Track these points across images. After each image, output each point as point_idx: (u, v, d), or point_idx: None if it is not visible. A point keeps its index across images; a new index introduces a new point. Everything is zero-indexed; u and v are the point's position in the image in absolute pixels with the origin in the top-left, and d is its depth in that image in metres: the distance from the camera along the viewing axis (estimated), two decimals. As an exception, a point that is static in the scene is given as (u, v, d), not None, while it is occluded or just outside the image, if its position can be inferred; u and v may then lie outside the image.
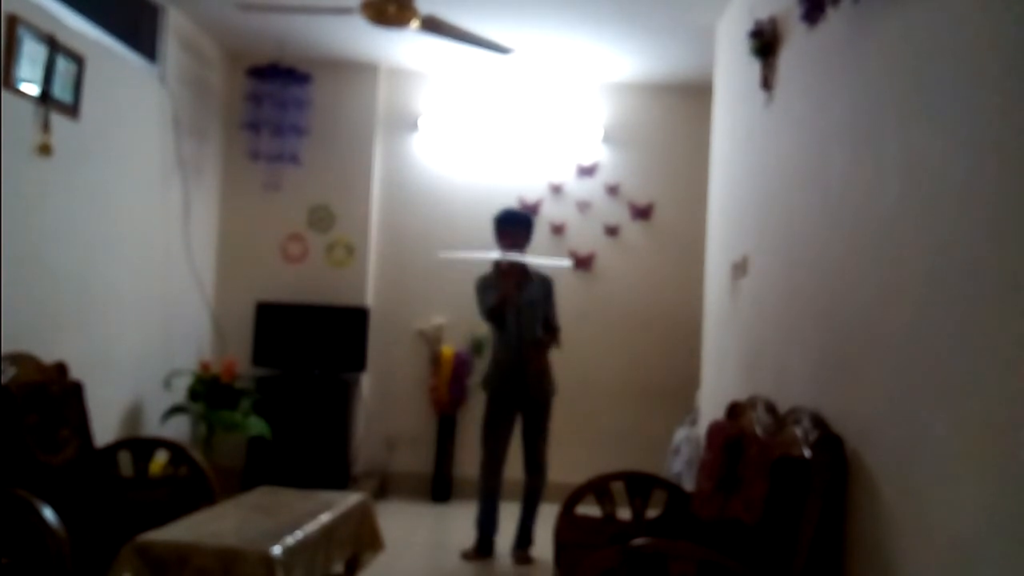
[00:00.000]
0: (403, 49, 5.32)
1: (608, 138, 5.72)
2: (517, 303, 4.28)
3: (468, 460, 5.30)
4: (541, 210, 5.69)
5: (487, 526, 4.37)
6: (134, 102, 4.45)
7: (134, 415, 4.49)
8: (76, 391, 3.45)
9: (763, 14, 3.40)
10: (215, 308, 5.52)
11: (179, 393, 4.71)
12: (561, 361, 5.39)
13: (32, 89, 3.46)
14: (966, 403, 1.70)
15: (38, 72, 3.48)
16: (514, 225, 4.36)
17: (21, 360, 3.21)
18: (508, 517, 4.42)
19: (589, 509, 3.42)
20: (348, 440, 5.30)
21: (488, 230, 4.46)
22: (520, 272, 4.34)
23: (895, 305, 2.07)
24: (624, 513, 3.41)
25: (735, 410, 3.22)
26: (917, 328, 1.93)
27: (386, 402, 5.70)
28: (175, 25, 4.82)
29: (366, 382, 5.63)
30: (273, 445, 4.94)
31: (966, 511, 1.68)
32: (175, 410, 4.62)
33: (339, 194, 5.63)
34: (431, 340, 5.64)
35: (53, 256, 3.71)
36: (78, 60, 3.75)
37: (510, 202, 5.45)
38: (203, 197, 5.32)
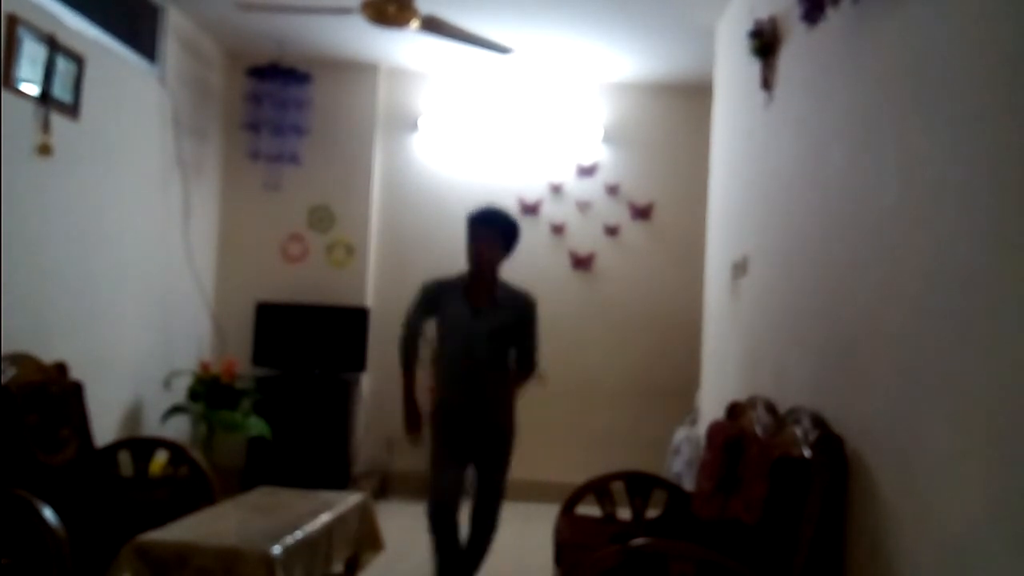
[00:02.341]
0: (403, 49, 5.32)
1: (608, 138, 5.72)
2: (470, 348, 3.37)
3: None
4: (541, 210, 5.69)
5: None
6: (134, 102, 4.45)
7: (134, 415, 4.49)
8: (76, 391, 3.45)
9: (763, 14, 3.40)
10: (215, 308, 5.52)
11: (179, 393, 4.71)
12: (561, 361, 5.40)
13: (32, 89, 3.46)
14: (966, 403, 1.70)
15: (38, 72, 3.48)
16: (488, 226, 3.39)
17: (21, 360, 3.21)
18: (510, 518, 4.39)
19: (589, 509, 3.42)
20: (348, 440, 5.30)
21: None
22: (487, 287, 3.42)
23: (895, 305, 2.07)
24: (624, 513, 3.41)
25: (735, 410, 3.23)
26: (917, 328, 1.93)
27: (386, 402, 5.70)
28: (175, 25, 4.82)
29: (366, 382, 5.63)
30: (273, 445, 4.94)
31: (966, 511, 1.68)
32: (175, 410, 4.62)
33: (339, 194, 5.63)
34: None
35: (53, 256, 3.71)
36: (78, 60, 3.75)
37: (510, 202, 5.44)
38: (203, 197, 5.32)
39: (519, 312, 3.44)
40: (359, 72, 5.65)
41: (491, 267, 3.41)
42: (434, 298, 3.47)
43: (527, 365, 3.51)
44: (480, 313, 3.37)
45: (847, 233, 2.42)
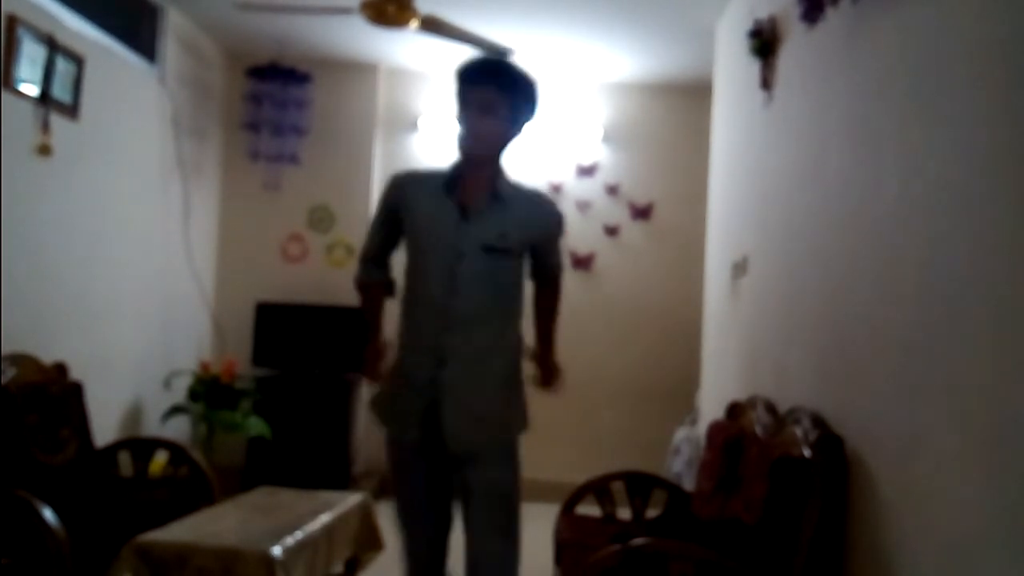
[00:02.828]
0: (403, 49, 5.32)
1: (608, 138, 5.72)
2: (449, 245, 2.14)
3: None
4: (541, 210, 5.69)
5: None
6: (134, 102, 4.45)
7: (134, 415, 4.49)
8: (76, 391, 3.45)
9: (762, 14, 3.40)
10: (215, 308, 5.52)
11: (179, 393, 4.71)
12: (561, 361, 5.39)
13: (32, 89, 3.46)
14: (966, 403, 1.70)
15: (38, 72, 3.48)
16: (486, 82, 2.16)
17: (21, 360, 3.21)
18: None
19: (589, 509, 3.42)
20: (348, 440, 5.30)
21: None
22: (485, 174, 2.18)
23: (895, 304, 2.07)
24: (624, 513, 3.41)
25: (735, 410, 3.23)
26: (917, 328, 1.93)
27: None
28: (175, 25, 4.82)
29: (366, 382, 5.63)
30: (273, 445, 4.94)
31: (966, 511, 1.68)
32: (175, 410, 4.62)
33: (339, 194, 5.63)
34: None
35: (53, 256, 3.71)
36: (78, 60, 3.75)
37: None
38: (203, 197, 5.32)
39: (536, 221, 2.21)
40: (359, 72, 5.65)
41: (491, 149, 2.16)
42: (401, 195, 2.24)
43: (555, 273, 2.36)
44: (472, 216, 2.12)
45: (847, 233, 2.42)
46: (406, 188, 2.26)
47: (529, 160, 5.71)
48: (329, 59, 5.53)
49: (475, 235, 2.12)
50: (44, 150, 3.55)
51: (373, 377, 2.36)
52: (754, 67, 3.46)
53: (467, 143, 2.15)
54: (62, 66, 3.63)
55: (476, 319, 2.13)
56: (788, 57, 3.16)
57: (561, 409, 5.58)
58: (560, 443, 5.50)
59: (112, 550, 2.55)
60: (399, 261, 2.36)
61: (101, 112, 3.99)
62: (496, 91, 2.15)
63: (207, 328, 5.45)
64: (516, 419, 2.30)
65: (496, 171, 2.21)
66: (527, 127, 2.27)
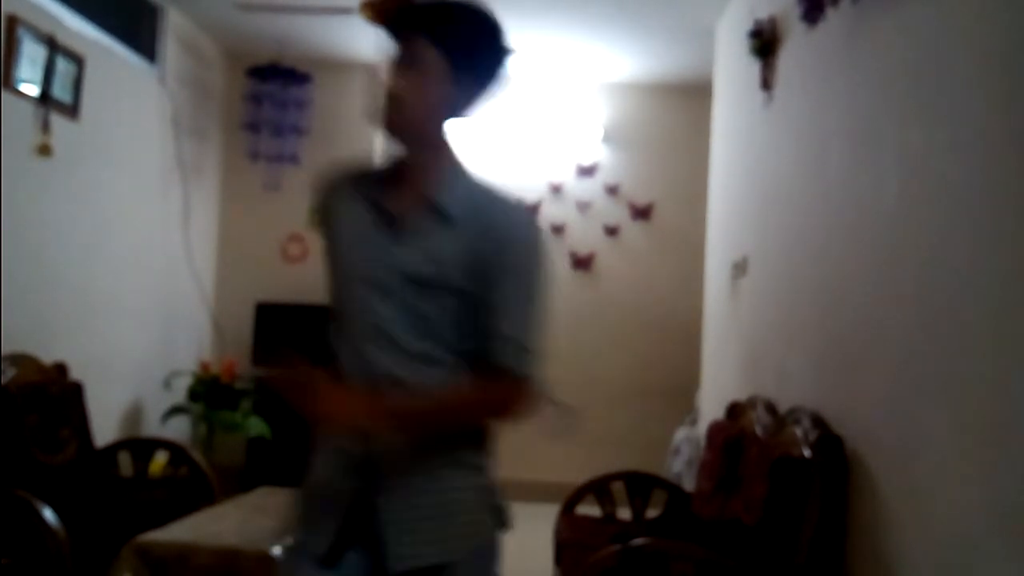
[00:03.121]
0: (403, 49, 5.32)
1: (608, 138, 5.72)
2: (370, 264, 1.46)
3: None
4: (541, 210, 5.69)
5: None
6: (134, 103, 4.44)
7: (134, 415, 4.49)
8: (76, 391, 3.45)
9: (763, 14, 3.40)
10: (215, 308, 5.52)
11: (179, 393, 4.71)
12: (561, 362, 5.40)
13: (32, 89, 3.46)
14: (966, 403, 1.70)
15: (38, 72, 3.48)
16: (410, 27, 1.43)
17: (21, 360, 3.21)
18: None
19: (589, 509, 3.42)
20: (348, 440, 5.29)
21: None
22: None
23: (895, 305, 2.07)
24: (624, 513, 3.42)
25: (735, 410, 3.23)
26: (917, 328, 1.93)
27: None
28: (175, 25, 4.82)
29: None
30: (273, 445, 4.94)
31: (966, 510, 1.68)
32: (175, 410, 4.62)
33: (339, 194, 5.63)
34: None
35: (53, 256, 3.71)
36: (78, 61, 3.75)
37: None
38: (203, 197, 5.32)
39: (494, 238, 1.41)
40: (359, 72, 5.65)
41: (418, 124, 1.44)
42: (323, 204, 1.56)
43: (502, 366, 1.41)
44: (401, 230, 1.44)
45: (847, 233, 2.42)
46: (329, 193, 1.55)
47: (529, 160, 5.72)
48: (329, 59, 5.53)
49: (402, 259, 1.42)
50: (44, 150, 3.55)
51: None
52: (754, 67, 3.46)
53: (385, 114, 1.42)
54: (62, 66, 3.63)
55: (406, 374, 1.45)
56: (788, 57, 3.16)
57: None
58: (560, 443, 5.50)
59: (112, 550, 2.55)
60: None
61: (101, 112, 3.99)
62: (424, 39, 1.40)
63: (207, 328, 5.45)
64: (488, 512, 1.50)
65: (441, 162, 1.46)
66: (487, 93, 1.46)
